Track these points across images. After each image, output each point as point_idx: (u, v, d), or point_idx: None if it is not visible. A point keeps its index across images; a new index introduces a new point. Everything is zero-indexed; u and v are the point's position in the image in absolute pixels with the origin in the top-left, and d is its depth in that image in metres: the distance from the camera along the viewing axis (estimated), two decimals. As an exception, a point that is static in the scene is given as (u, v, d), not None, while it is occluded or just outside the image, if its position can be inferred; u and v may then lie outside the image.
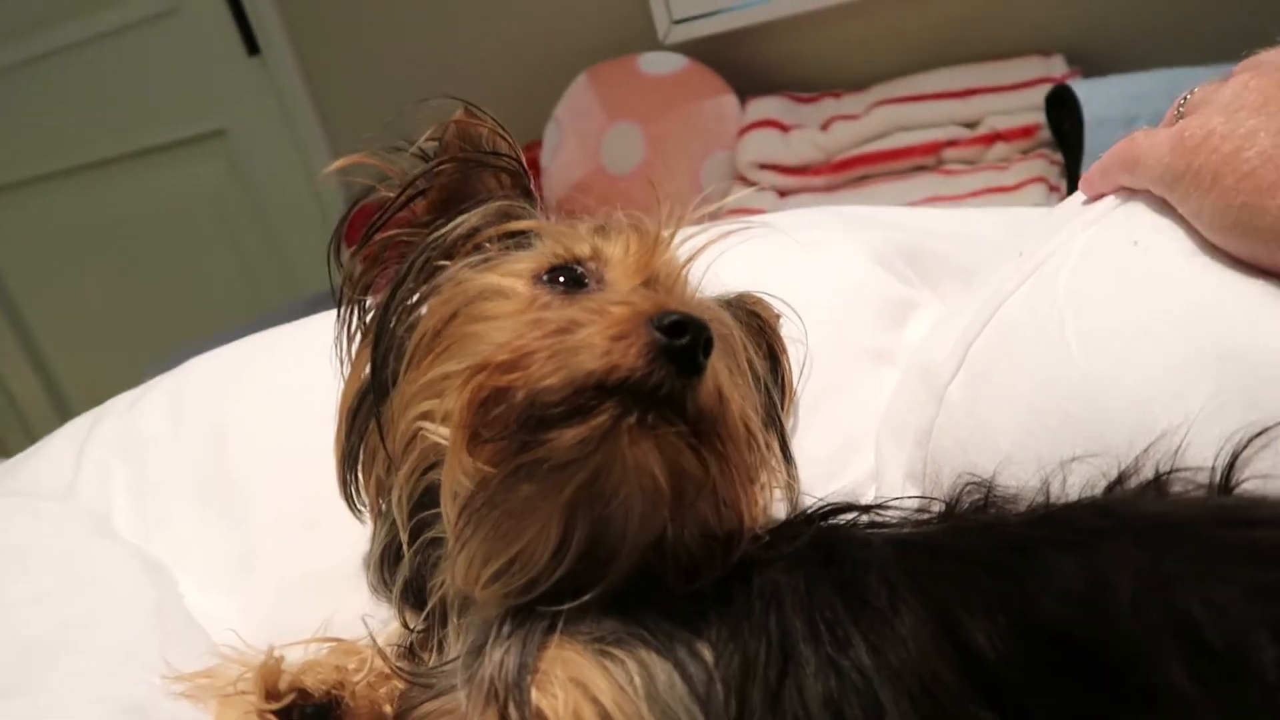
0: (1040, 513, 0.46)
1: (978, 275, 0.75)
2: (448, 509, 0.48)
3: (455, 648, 0.50)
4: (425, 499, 0.51)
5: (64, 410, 2.80)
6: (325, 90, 2.21)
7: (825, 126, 1.70)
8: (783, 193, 1.70)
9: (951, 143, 1.58)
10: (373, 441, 0.53)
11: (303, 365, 0.74)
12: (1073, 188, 1.27)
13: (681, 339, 0.43)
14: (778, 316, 0.65)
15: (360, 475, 0.54)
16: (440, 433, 0.48)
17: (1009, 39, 1.63)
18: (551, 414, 0.43)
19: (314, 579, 0.60)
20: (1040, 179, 1.44)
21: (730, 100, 1.78)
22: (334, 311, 0.82)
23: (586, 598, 0.47)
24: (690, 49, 1.82)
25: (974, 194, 1.48)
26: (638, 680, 0.45)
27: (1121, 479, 0.47)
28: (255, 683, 0.46)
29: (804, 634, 0.45)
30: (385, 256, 0.54)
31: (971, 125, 1.59)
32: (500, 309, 0.48)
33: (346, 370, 0.55)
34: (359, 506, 0.56)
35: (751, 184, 1.72)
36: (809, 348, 0.65)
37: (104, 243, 2.56)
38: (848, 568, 0.47)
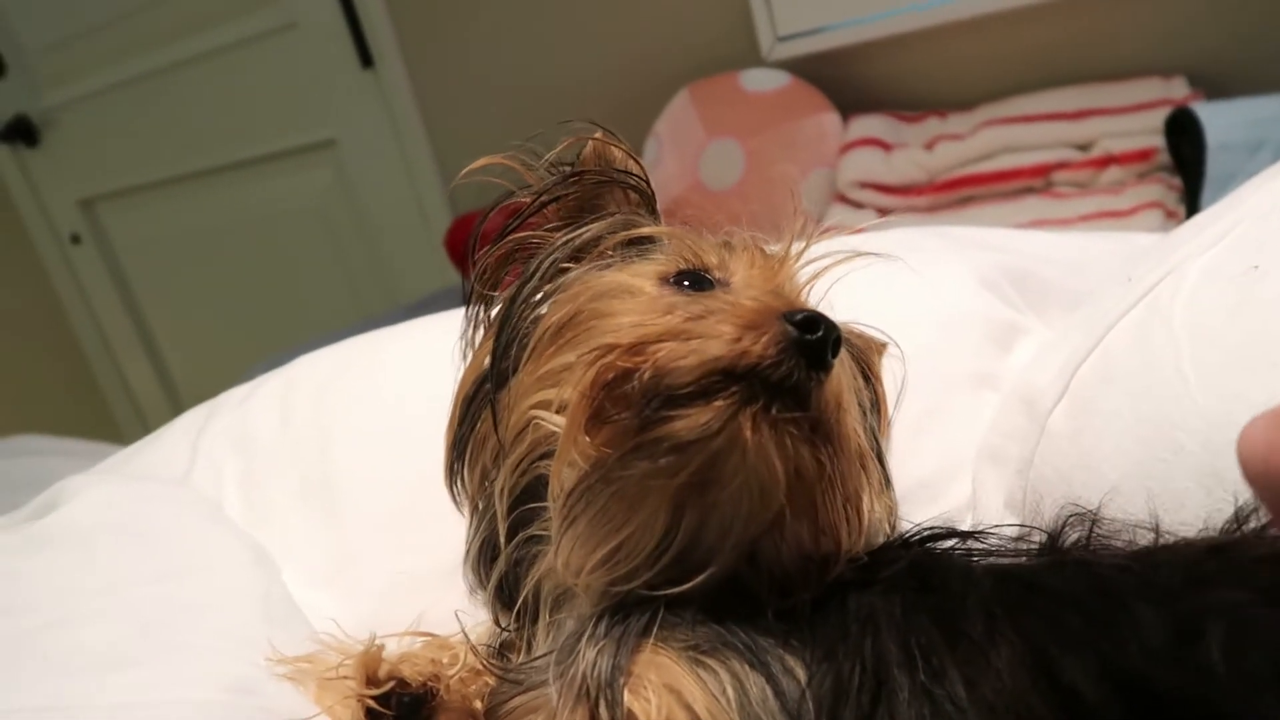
0: (1143, 553, 0.45)
1: (1086, 300, 0.73)
2: (555, 492, 0.48)
3: (545, 644, 0.51)
4: (526, 495, 0.52)
5: (175, 401, 2.95)
6: (433, 103, 2.28)
7: (930, 146, 1.67)
8: (883, 212, 1.68)
9: (1062, 165, 1.54)
10: (484, 430, 0.54)
11: (402, 370, 0.76)
12: (1192, 214, 1.22)
13: (814, 333, 0.44)
14: (882, 347, 0.65)
15: (467, 464, 0.56)
16: (554, 421, 0.49)
17: (1127, 59, 1.57)
18: (677, 395, 0.44)
19: (409, 579, 0.62)
20: (1157, 204, 1.38)
21: (832, 118, 1.76)
22: (433, 317, 0.86)
23: (687, 586, 0.47)
24: (793, 66, 1.81)
25: (1085, 218, 1.44)
26: (730, 691, 0.45)
27: (1238, 518, 0.45)
28: (356, 669, 0.48)
29: (899, 660, 0.44)
30: (515, 256, 0.56)
31: (1084, 148, 1.54)
32: (627, 305, 0.49)
33: (469, 359, 0.56)
34: (460, 497, 0.57)
35: (852, 203, 1.70)
36: (908, 372, 0.65)
37: (217, 245, 2.69)
38: (945, 596, 0.47)
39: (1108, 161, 1.49)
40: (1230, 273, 0.52)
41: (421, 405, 0.71)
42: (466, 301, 0.56)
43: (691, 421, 0.43)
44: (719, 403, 0.43)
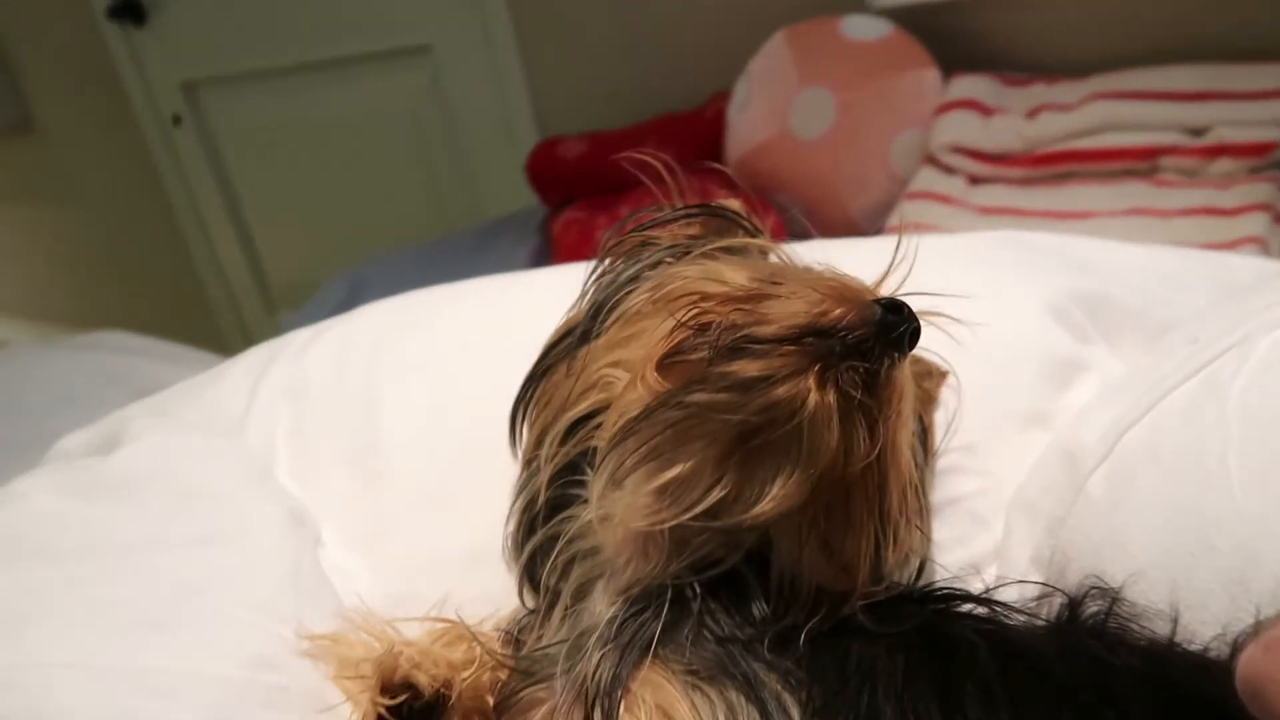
0: (1157, 652, 0.44)
1: (1158, 343, 0.70)
2: (608, 433, 0.51)
3: (560, 632, 0.53)
4: (569, 469, 0.55)
5: (263, 287, 3.05)
6: (528, 20, 2.24)
7: (1032, 115, 1.59)
8: (974, 179, 1.62)
9: (1171, 149, 1.45)
10: (553, 382, 0.57)
11: (456, 339, 0.78)
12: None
13: (898, 314, 0.45)
14: (943, 375, 0.65)
15: (529, 417, 0.59)
16: (624, 376, 0.52)
17: (1259, 39, 1.46)
18: (754, 342, 0.45)
19: (438, 555, 0.64)
20: (1265, 206, 1.30)
21: (932, 75, 1.69)
22: (493, 280, 0.87)
23: (710, 573, 0.50)
24: (898, 15, 1.73)
25: (1186, 211, 1.36)
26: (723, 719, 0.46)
27: (1258, 632, 0.44)
28: (373, 672, 0.51)
29: (893, 724, 0.45)
30: (632, 243, 0.60)
31: (1198, 133, 1.45)
32: (719, 287, 0.50)
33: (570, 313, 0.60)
34: (517, 448, 0.60)
35: (943, 167, 1.64)
36: (958, 405, 0.64)
37: (312, 140, 2.72)
38: (950, 666, 0.47)
39: (1220, 151, 1.40)
40: (1300, 358, 0.49)
41: (471, 381, 0.73)
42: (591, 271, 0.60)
43: (760, 363, 0.45)
44: (793, 352, 0.45)
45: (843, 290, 0.48)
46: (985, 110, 1.63)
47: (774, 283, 0.49)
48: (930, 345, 0.62)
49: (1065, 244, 0.89)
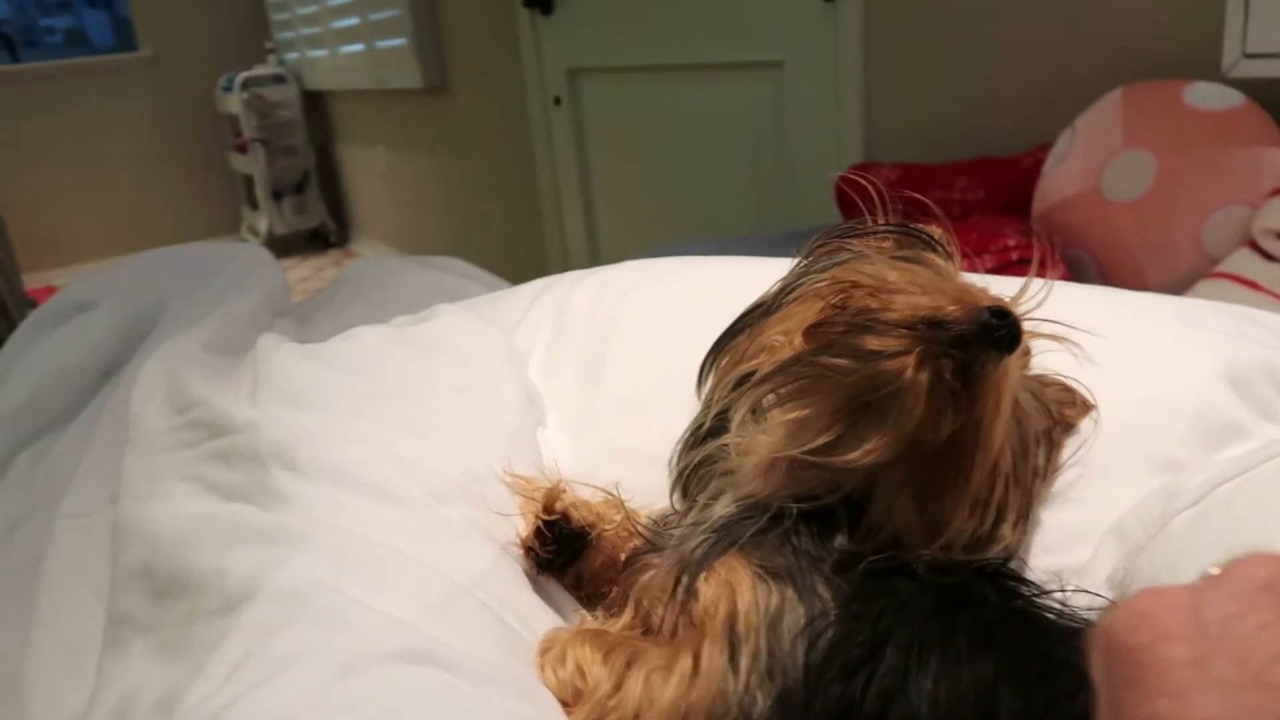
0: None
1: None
2: (768, 370, 0.63)
3: (686, 521, 0.67)
4: (728, 413, 0.68)
5: (595, 252, 3.42)
6: (876, 47, 2.35)
7: (1380, 212, 1.46)
8: (1293, 271, 1.52)
9: None
10: (738, 342, 0.70)
11: (690, 294, 0.94)
12: None
13: (1002, 319, 0.55)
14: (1088, 406, 0.71)
15: (717, 363, 0.72)
16: (784, 342, 0.64)
17: None
18: (881, 323, 0.57)
19: (622, 450, 0.81)
20: None
21: (1276, 155, 1.59)
22: (743, 259, 1.02)
23: (818, 503, 0.61)
24: (1252, 88, 1.64)
25: None
26: (773, 607, 0.58)
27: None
28: (542, 495, 0.68)
29: (899, 640, 0.55)
30: (832, 246, 0.71)
31: None
32: (869, 280, 0.61)
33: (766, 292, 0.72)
34: (702, 386, 0.73)
35: (1263, 253, 1.55)
36: (1100, 439, 0.70)
37: (662, 133, 3.02)
38: (966, 612, 0.56)
39: None
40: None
41: (681, 329, 0.88)
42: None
43: (877, 340, 0.56)
44: (905, 335, 0.56)
45: (963, 294, 0.58)
46: (1328, 200, 1.52)
47: (914, 283, 0.60)
48: (1101, 379, 0.70)
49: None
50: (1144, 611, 0.32)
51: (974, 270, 0.72)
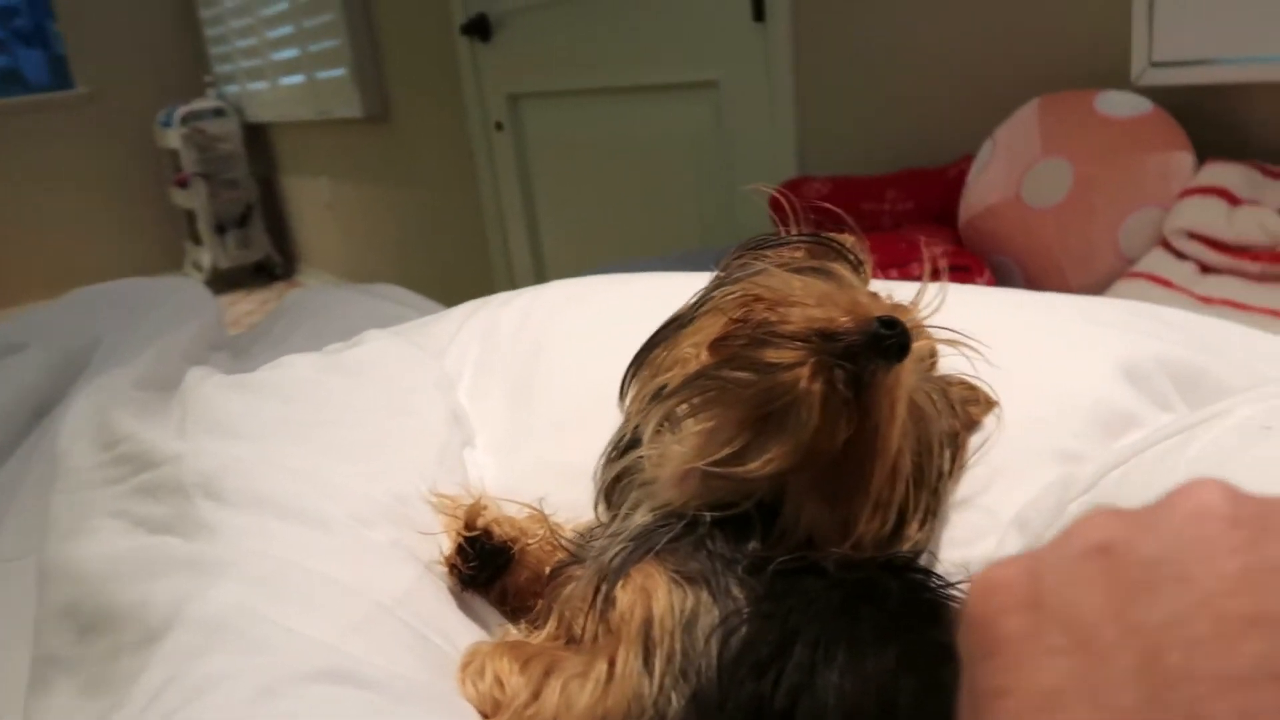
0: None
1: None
2: (676, 385, 0.66)
3: (607, 533, 0.68)
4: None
5: (541, 273, 3.44)
6: (806, 65, 2.41)
7: (1283, 210, 1.53)
8: (1205, 268, 1.58)
9: None
10: (655, 355, 0.72)
11: (616, 312, 0.96)
12: None
13: (891, 329, 0.57)
14: (991, 404, 0.74)
15: (637, 377, 0.74)
16: (694, 354, 0.67)
17: None
18: (779, 336, 0.59)
19: (547, 466, 0.83)
20: None
21: (1184, 158, 1.66)
22: (666, 275, 1.04)
23: (729, 512, 0.63)
24: (1160, 95, 1.72)
25: None
26: (688, 610, 0.60)
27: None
28: (464, 513, 0.70)
29: (807, 637, 0.57)
30: (746, 258, 0.74)
31: None
32: (770, 293, 0.64)
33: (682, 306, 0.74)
34: (623, 401, 0.75)
35: (1174, 252, 1.61)
36: (1002, 436, 0.73)
37: (602, 156, 3.06)
38: (872, 606, 0.59)
39: None
40: (1260, 424, 0.55)
41: (606, 346, 0.90)
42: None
43: (775, 353, 0.58)
44: (799, 347, 0.58)
45: (855, 306, 0.60)
46: (1233, 200, 1.58)
47: (811, 294, 0.62)
48: (1000, 378, 0.73)
49: (1200, 324, 0.92)
50: (990, 582, 0.33)
51: (907, 278, 0.74)
